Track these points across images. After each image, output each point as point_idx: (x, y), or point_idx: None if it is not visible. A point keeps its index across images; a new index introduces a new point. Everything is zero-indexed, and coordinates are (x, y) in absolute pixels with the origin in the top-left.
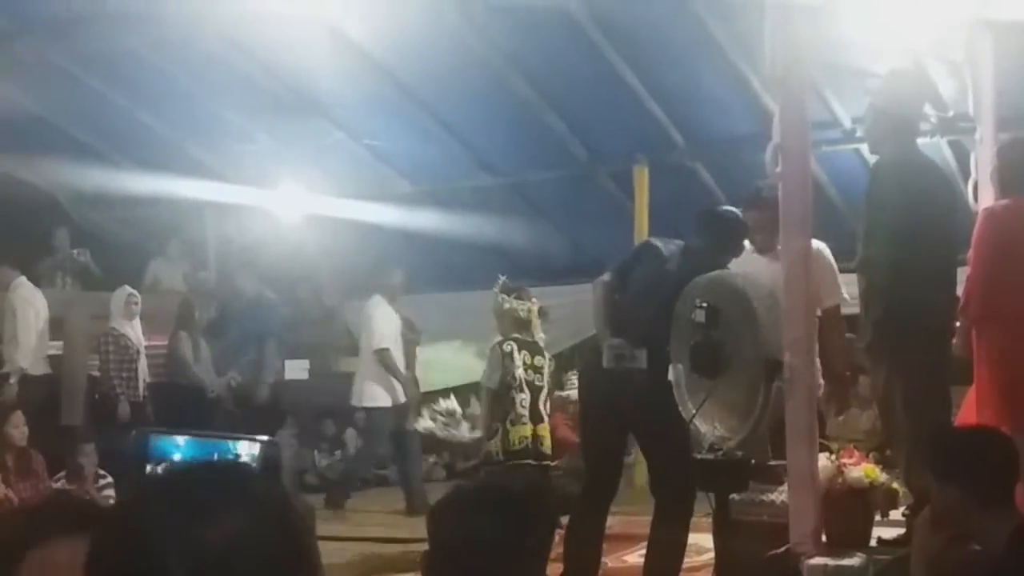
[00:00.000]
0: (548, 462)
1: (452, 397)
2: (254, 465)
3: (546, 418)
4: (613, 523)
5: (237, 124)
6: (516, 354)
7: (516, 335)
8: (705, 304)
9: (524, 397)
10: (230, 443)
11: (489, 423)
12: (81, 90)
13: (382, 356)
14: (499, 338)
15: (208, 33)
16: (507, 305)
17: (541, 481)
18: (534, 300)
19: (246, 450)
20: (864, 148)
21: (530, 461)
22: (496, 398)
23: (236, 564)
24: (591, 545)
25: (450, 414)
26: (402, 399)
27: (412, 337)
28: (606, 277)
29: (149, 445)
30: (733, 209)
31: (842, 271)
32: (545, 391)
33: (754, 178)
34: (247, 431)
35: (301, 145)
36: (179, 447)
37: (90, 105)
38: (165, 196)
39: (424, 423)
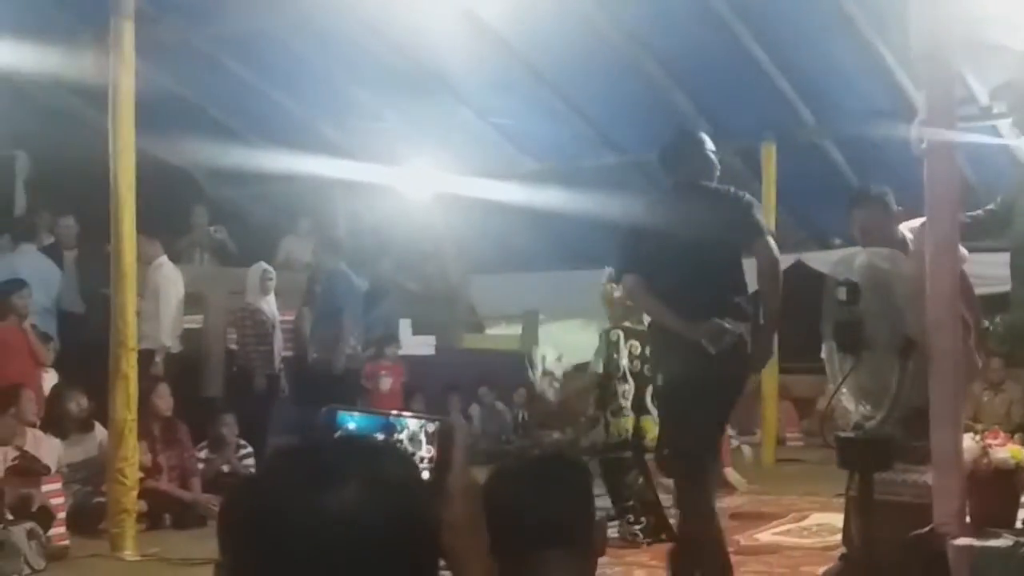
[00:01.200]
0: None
1: None
2: (425, 443)
3: (653, 409)
4: (743, 502)
5: (367, 103)
6: (622, 343)
7: (626, 323)
8: (846, 282)
9: (627, 388)
10: (405, 421)
11: (593, 411)
12: (219, 71)
13: None
14: (608, 325)
15: (341, 14)
16: (616, 293)
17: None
18: None
19: (420, 428)
20: (1001, 125)
21: (628, 454)
22: (600, 386)
23: (346, 535)
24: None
25: None
26: None
27: None
28: (631, 281)
29: (336, 419)
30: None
31: (980, 250)
32: None
33: (886, 155)
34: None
35: (428, 124)
36: (355, 421)
37: (227, 86)
38: (297, 174)
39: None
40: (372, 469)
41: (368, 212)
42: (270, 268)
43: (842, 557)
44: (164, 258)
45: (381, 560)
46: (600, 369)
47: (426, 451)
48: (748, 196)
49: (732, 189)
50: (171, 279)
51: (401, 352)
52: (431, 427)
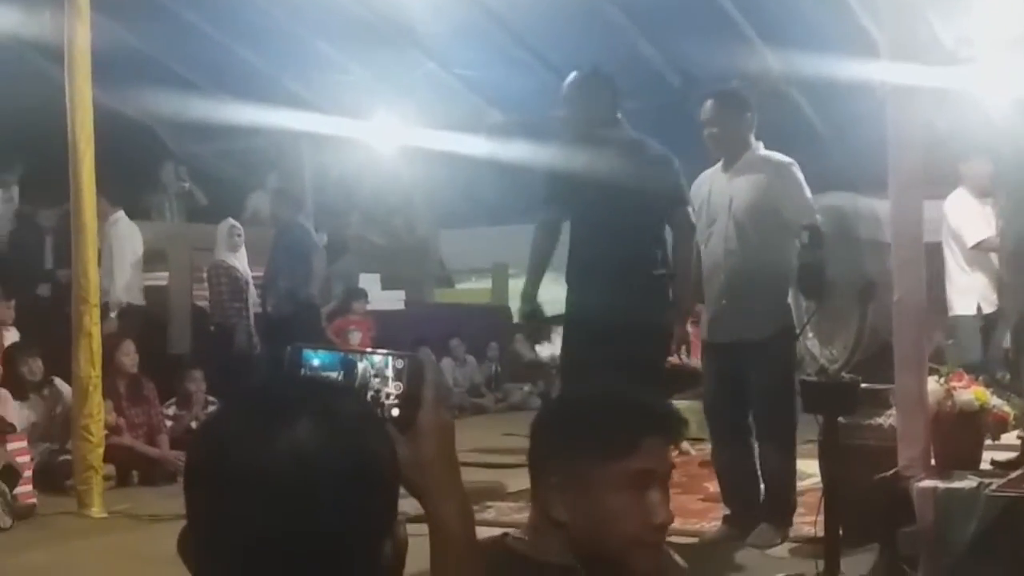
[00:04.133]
0: None
1: None
2: (394, 379)
3: None
4: (709, 451)
5: (331, 56)
6: None
7: None
8: (808, 225)
9: None
10: (373, 357)
11: None
12: (180, 25)
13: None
14: None
15: None
16: None
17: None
18: None
19: (386, 364)
20: (967, 71)
21: None
22: None
23: (298, 473)
24: None
25: None
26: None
27: None
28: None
29: (301, 357)
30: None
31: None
32: None
33: (853, 102)
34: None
35: (393, 76)
36: (321, 357)
37: (189, 40)
38: (262, 129)
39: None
40: (324, 407)
41: (335, 166)
42: (237, 224)
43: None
44: (121, 213)
45: (335, 497)
46: None
47: (394, 387)
48: (671, 157)
49: (657, 148)
50: (124, 235)
51: (370, 307)
52: (399, 363)
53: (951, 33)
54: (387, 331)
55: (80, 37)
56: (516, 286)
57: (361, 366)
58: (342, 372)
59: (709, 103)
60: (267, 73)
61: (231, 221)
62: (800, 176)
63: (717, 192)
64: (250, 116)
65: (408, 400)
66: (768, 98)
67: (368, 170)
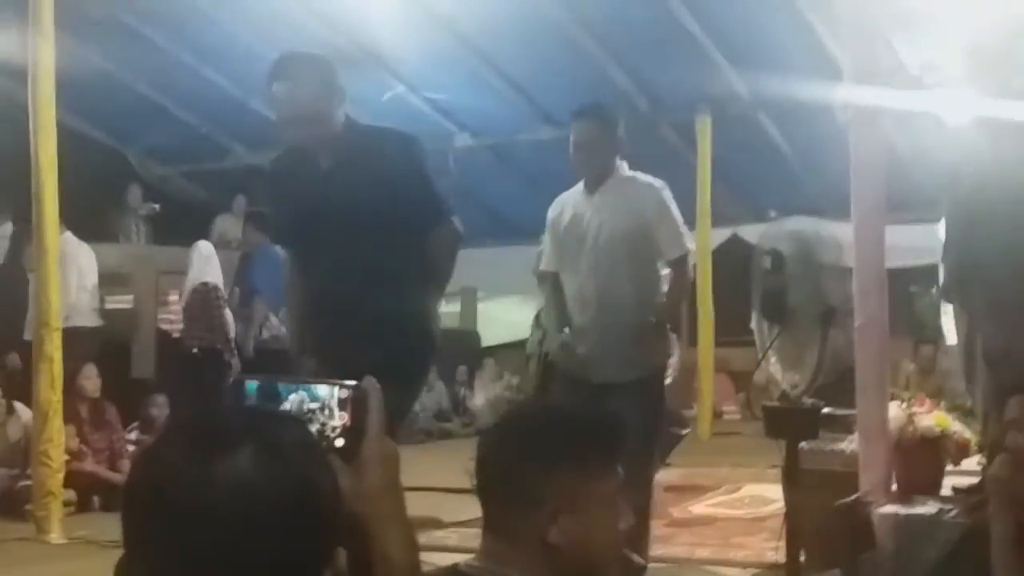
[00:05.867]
0: None
1: None
2: (339, 409)
3: None
4: (675, 476)
5: None
6: None
7: None
8: (771, 250)
9: None
10: (316, 388)
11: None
12: (146, 46)
13: None
14: None
15: None
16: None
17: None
18: None
19: (331, 395)
20: (933, 96)
21: None
22: None
23: (241, 504)
24: None
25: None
26: None
27: None
28: None
29: (244, 388)
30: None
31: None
32: None
33: (819, 127)
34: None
35: (362, 99)
36: (264, 388)
37: (155, 61)
38: (229, 151)
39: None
40: (264, 436)
41: None
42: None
43: None
44: (67, 235)
45: (274, 527)
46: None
47: (339, 418)
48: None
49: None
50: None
51: None
52: (344, 393)
53: (917, 59)
54: None
55: (44, 60)
56: (485, 310)
57: (305, 396)
58: (286, 403)
59: (578, 121)
60: (234, 95)
61: (209, 242)
62: (670, 200)
63: (582, 217)
64: (217, 139)
65: (352, 430)
66: (735, 122)
67: None
